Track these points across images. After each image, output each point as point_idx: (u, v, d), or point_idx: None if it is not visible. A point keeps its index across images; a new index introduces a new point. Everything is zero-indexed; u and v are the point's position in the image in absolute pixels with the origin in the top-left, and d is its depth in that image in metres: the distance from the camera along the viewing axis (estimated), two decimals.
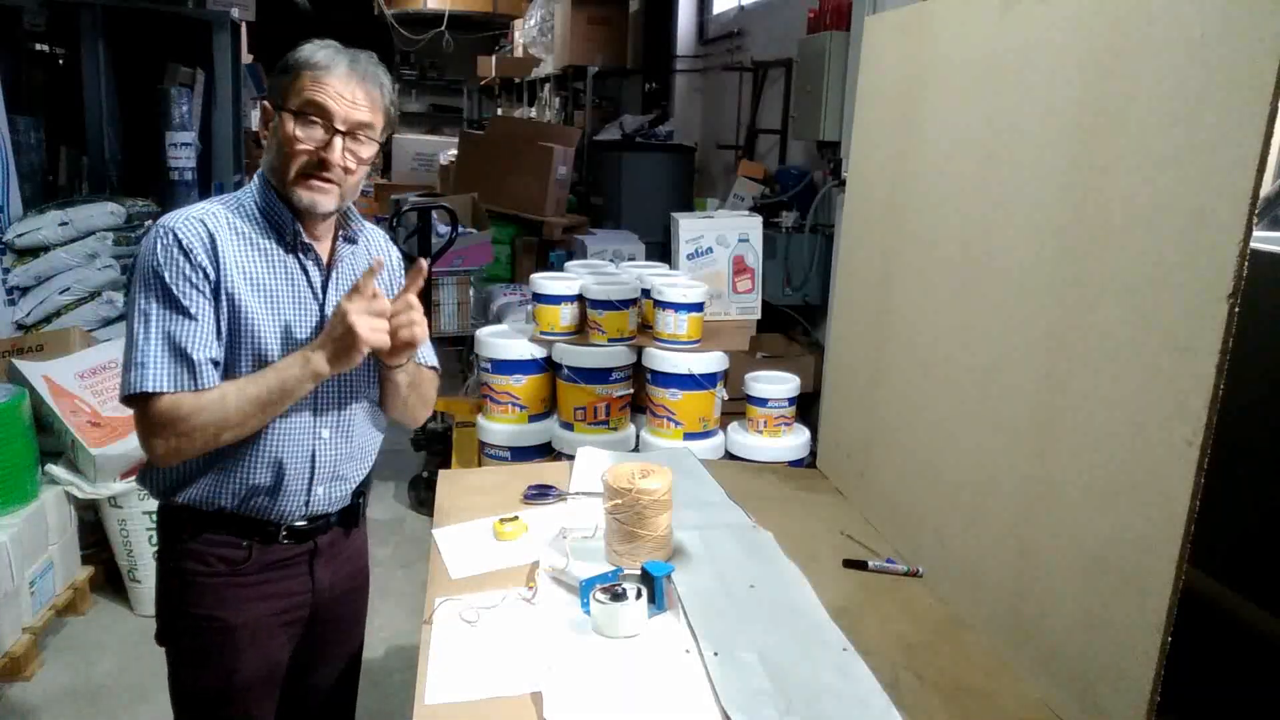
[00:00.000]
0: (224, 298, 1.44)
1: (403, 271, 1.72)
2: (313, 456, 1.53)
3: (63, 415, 3.10)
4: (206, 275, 1.43)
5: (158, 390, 1.39)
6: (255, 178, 1.54)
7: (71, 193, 4.74)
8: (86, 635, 3.10)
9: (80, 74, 4.76)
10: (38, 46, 5.20)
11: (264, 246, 1.49)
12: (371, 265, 1.45)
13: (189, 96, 4.79)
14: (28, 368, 3.19)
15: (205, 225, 1.45)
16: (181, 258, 1.42)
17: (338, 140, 1.44)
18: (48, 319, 3.89)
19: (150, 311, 1.42)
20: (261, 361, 1.46)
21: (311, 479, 1.54)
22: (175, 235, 1.43)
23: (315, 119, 1.44)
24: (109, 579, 3.35)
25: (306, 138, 1.44)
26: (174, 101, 4.64)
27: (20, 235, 3.85)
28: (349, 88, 1.44)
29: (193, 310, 1.42)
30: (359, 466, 1.63)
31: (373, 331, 1.41)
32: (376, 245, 1.68)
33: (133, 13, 4.90)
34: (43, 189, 4.55)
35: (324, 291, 1.54)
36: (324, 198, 1.47)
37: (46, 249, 3.91)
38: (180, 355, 1.41)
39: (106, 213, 4.07)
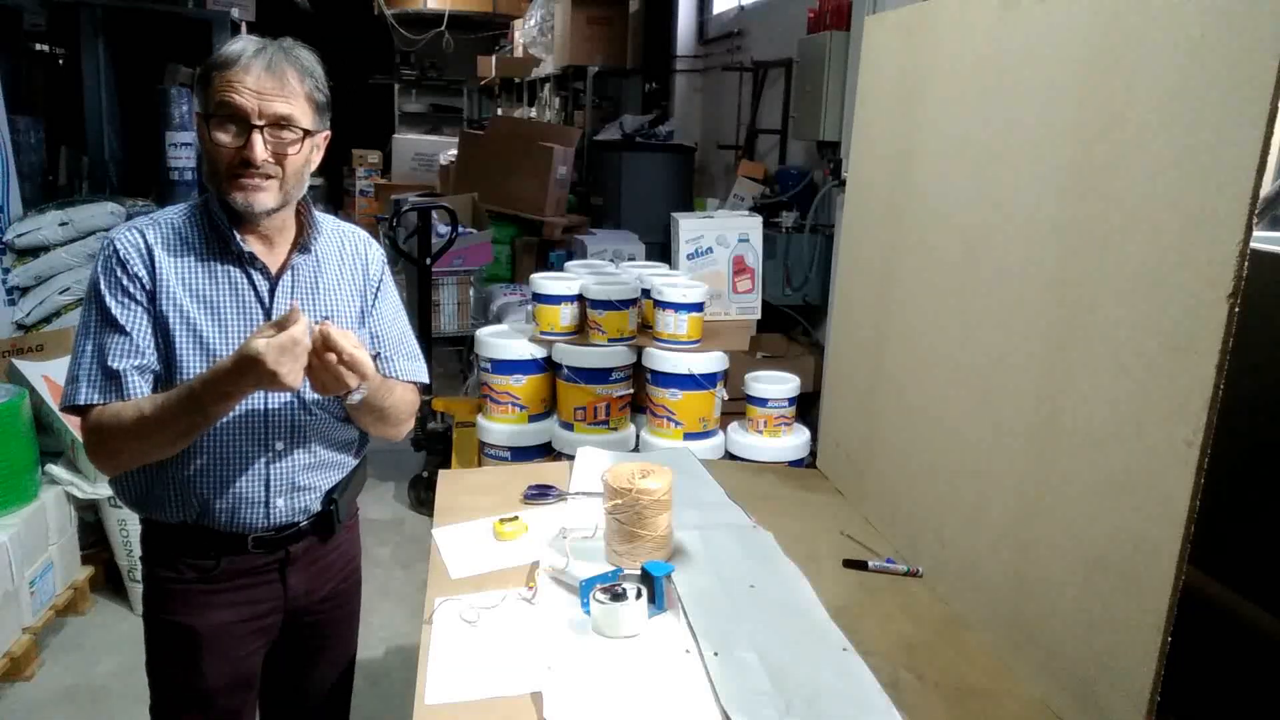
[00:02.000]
0: (163, 307, 1.43)
1: (385, 271, 1.68)
2: (266, 469, 1.51)
3: (62, 415, 3.10)
4: (143, 285, 1.43)
5: (88, 403, 1.41)
6: None
7: (71, 193, 4.73)
8: (86, 635, 3.10)
9: (80, 74, 4.76)
10: (38, 46, 5.20)
11: (207, 256, 1.48)
12: (292, 306, 1.31)
13: (189, 96, 4.78)
14: (28, 368, 3.19)
15: (144, 236, 1.45)
16: (118, 269, 1.43)
17: (256, 137, 1.39)
18: (48, 319, 3.88)
19: (88, 324, 1.44)
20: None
21: (268, 492, 1.51)
22: (114, 246, 1.44)
23: (230, 119, 1.40)
24: (109, 579, 3.35)
25: (225, 140, 1.40)
26: (174, 101, 4.63)
27: (20, 235, 3.85)
28: (258, 80, 1.39)
29: (123, 322, 1.42)
30: (326, 474, 1.60)
31: (288, 372, 1.28)
32: (353, 247, 1.63)
33: (133, 13, 4.90)
34: (43, 189, 4.55)
35: (271, 299, 1.50)
36: (260, 195, 1.43)
37: (46, 249, 3.91)
38: (107, 369, 1.41)
39: (106, 213, 4.06)
